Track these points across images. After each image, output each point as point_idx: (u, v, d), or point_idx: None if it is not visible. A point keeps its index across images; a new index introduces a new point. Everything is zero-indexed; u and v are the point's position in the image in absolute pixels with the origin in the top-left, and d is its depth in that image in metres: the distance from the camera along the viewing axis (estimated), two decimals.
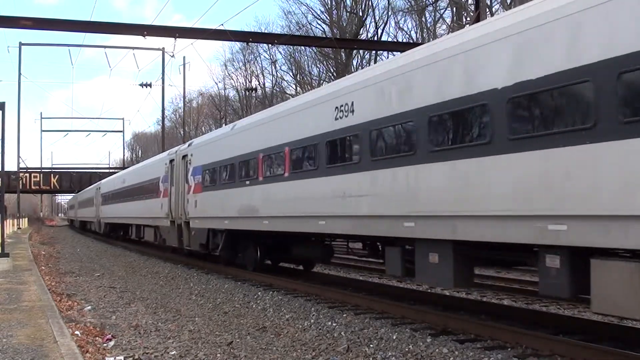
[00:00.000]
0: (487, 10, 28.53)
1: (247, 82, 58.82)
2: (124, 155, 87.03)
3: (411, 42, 37.56)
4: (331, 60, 45.10)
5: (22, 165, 59.93)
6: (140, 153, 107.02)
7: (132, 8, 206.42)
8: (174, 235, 21.25)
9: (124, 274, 19.25)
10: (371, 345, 8.53)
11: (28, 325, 9.09)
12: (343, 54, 42.81)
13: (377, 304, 11.21)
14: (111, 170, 63.03)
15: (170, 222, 21.73)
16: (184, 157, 20.60)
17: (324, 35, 40.76)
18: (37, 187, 63.51)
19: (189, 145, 21.01)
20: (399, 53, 15.85)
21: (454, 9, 37.65)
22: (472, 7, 31.86)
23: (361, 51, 42.27)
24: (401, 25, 43.75)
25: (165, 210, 22.31)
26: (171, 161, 22.13)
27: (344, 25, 44.03)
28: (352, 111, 10.55)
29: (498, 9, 32.68)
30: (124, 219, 32.44)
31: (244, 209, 15.37)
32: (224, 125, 52.43)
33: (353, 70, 40.17)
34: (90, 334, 9.25)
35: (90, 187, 51.26)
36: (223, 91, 66.59)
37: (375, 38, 41.94)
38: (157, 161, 25.89)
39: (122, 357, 7.76)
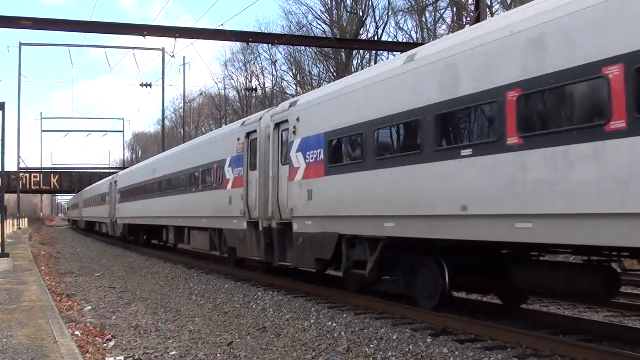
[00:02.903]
0: (487, 10, 28.51)
1: (247, 82, 58.82)
2: (124, 155, 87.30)
3: (411, 42, 37.54)
4: (331, 60, 45.07)
5: (22, 165, 60.06)
6: (140, 153, 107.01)
7: (139, 7, 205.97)
8: None
9: (124, 274, 19.25)
10: (371, 345, 8.53)
11: (28, 325, 9.09)
12: (343, 54, 42.79)
13: (377, 304, 11.20)
14: (111, 170, 62.93)
15: None
16: None
17: (324, 35, 40.73)
18: (37, 187, 63.52)
19: None
20: (399, 53, 15.81)
21: (454, 9, 37.65)
22: (472, 7, 31.82)
23: (361, 51, 42.26)
24: (401, 25, 43.77)
25: None
26: None
27: (344, 25, 44.01)
28: None
29: (498, 9, 32.68)
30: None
31: None
32: (224, 124, 52.34)
33: (353, 70, 40.16)
34: (90, 334, 9.26)
35: (100, 182, 44.54)
36: (223, 91, 66.63)
37: (375, 38, 41.94)
38: None
39: (122, 357, 7.77)
